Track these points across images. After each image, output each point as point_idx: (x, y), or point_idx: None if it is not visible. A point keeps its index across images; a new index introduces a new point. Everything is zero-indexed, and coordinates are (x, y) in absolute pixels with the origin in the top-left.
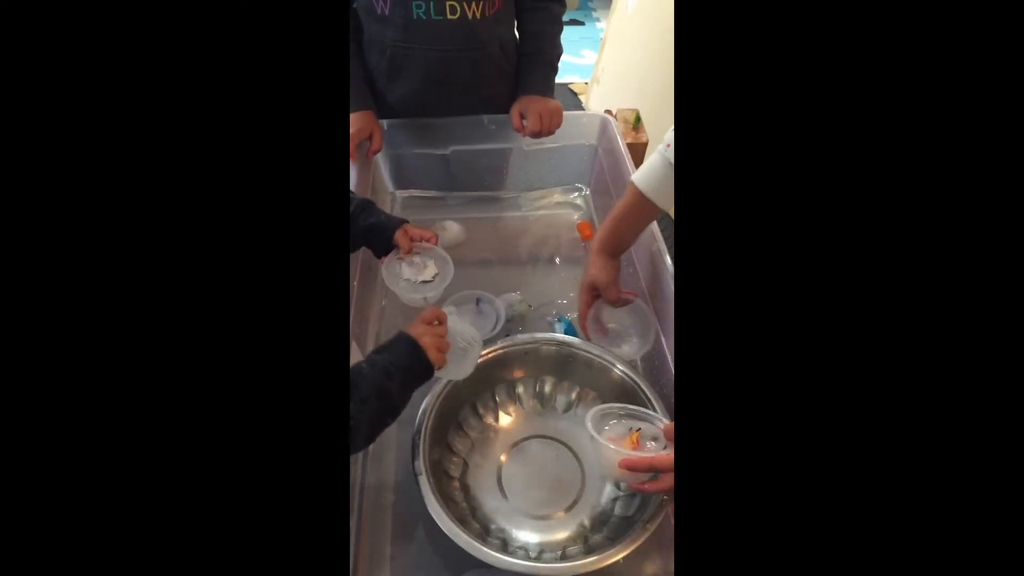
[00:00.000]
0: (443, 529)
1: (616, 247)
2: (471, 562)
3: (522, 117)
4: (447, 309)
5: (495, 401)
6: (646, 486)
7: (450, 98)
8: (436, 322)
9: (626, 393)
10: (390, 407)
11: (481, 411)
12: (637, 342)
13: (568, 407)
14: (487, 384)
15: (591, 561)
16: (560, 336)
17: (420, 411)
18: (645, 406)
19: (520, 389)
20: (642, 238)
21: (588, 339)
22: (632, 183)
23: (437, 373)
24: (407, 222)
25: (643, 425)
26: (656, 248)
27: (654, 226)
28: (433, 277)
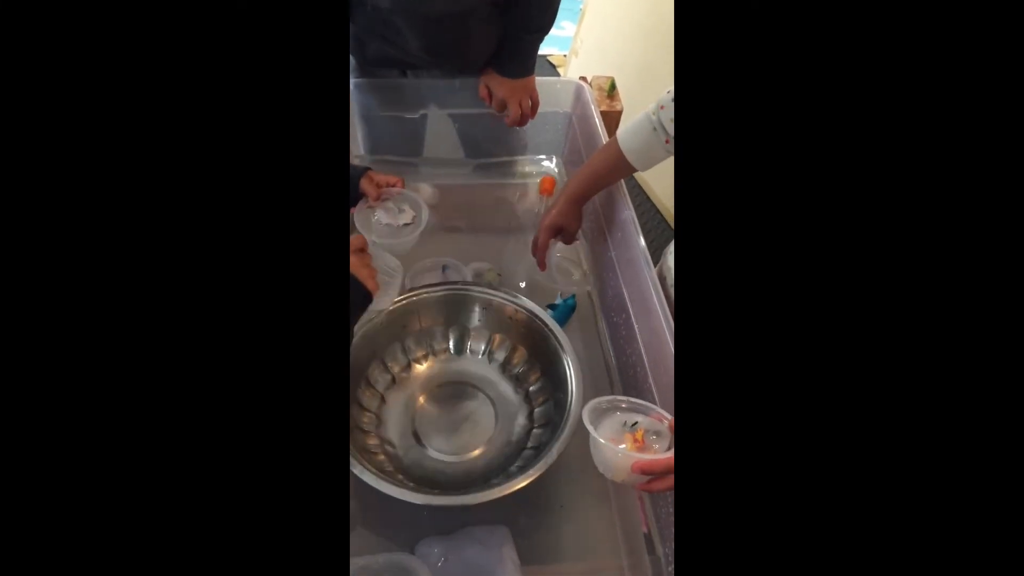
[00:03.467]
0: (368, 483)
1: (584, 197)
2: (419, 528)
3: (491, 93)
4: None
5: (404, 351)
6: (653, 485)
7: (433, 58)
8: (361, 250)
9: (532, 333)
10: None
11: (389, 363)
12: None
13: (481, 353)
14: (395, 336)
15: (506, 487)
16: (472, 284)
17: None
18: (558, 350)
19: (431, 337)
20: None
21: (542, 269)
22: (613, 139)
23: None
24: (370, 169)
25: (640, 419)
26: (629, 215)
27: (624, 191)
28: (413, 219)
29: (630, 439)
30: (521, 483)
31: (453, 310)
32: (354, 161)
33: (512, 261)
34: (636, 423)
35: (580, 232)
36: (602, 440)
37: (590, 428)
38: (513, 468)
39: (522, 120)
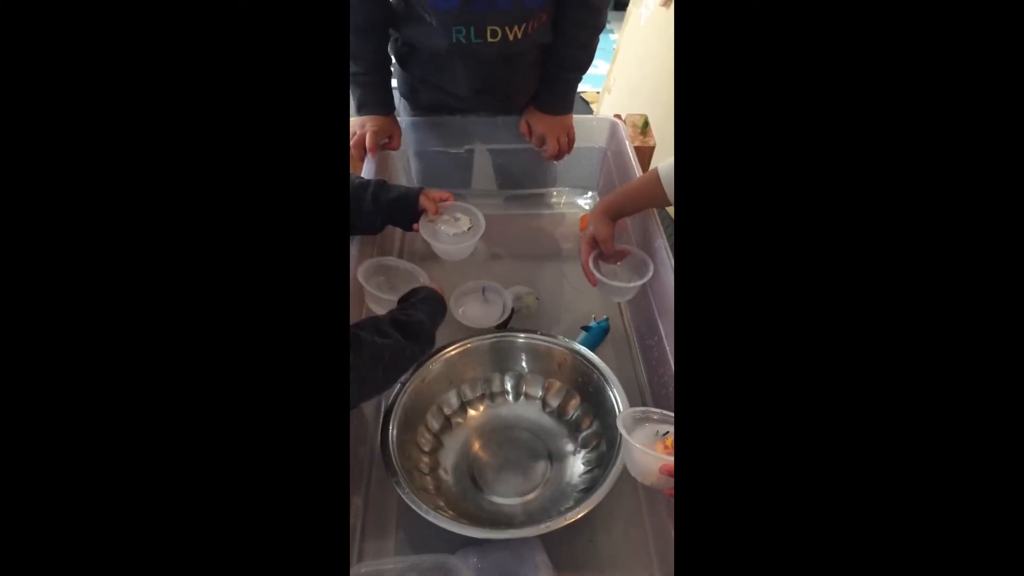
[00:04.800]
0: (420, 513)
1: (617, 214)
2: (446, 537)
3: (530, 127)
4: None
5: (459, 397)
6: None
7: (480, 99)
8: None
9: (581, 376)
10: (430, 343)
11: (444, 408)
12: (634, 277)
13: (528, 395)
14: (450, 384)
15: (558, 520)
16: (517, 331)
17: (382, 415)
18: (601, 386)
19: (487, 383)
20: (647, 232)
21: (592, 283)
22: (656, 168)
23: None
24: (423, 188)
25: (670, 429)
26: (661, 243)
27: (657, 220)
28: (470, 227)
29: (660, 446)
30: (569, 520)
31: (502, 356)
32: None
33: (551, 285)
34: (667, 432)
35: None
36: (636, 444)
37: (624, 433)
38: (563, 508)
39: (559, 155)
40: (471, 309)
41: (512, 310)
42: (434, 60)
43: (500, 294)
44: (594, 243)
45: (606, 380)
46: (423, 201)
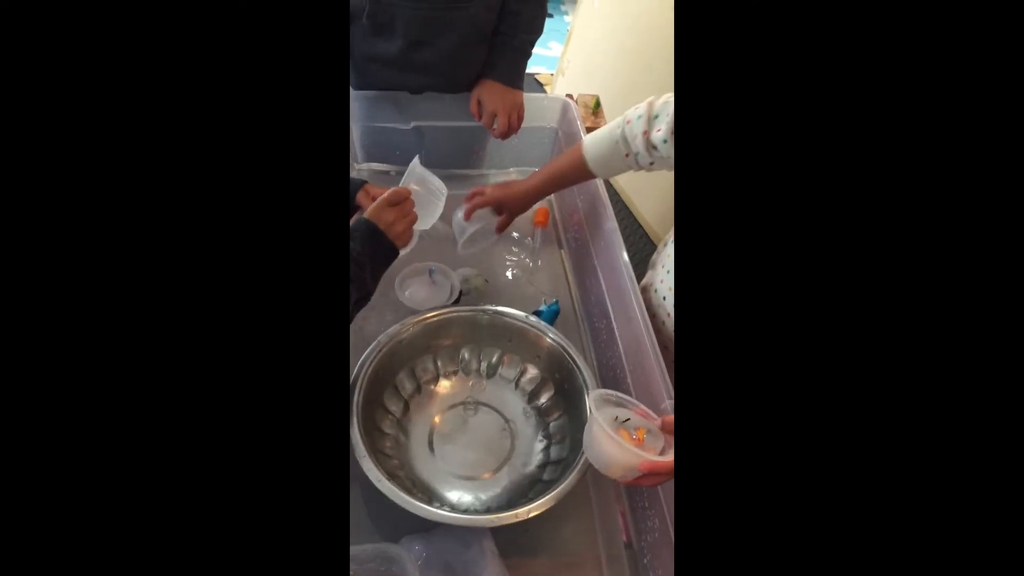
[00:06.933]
0: (371, 479)
1: (545, 192)
2: (405, 521)
3: (480, 105)
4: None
5: (435, 365)
6: (640, 481)
7: (427, 63)
8: (401, 202)
9: (554, 359)
10: (365, 294)
11: (419, 374)
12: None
13: (503, 376)
14: (426, 349)
15: (511, 515)
16: (502, 308)
17: (355, 369)
18: (572, 371)
19: (461, 356)
20: (601, 218)
21: (466, 218)
22: (579, 144)
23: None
24: (366, 183)
25: (629, 415)
26: (611, 226)
27: (606, 202)
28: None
29: (627, 436)
30: (521, 517)
31: (486, 333)
32: (351, 169)
33: (499, 267)
34: (628, 419)
35: (564, 240)
36: (612, 435)
37: (600, 421)
38: (519, 499)
39: (508, 133)
40: (418, 291)
41: (460, 292)
42: (374, 16)
43: (448, 276)
44: (496, 204)
45: (585, 385)
46: (360, 198)
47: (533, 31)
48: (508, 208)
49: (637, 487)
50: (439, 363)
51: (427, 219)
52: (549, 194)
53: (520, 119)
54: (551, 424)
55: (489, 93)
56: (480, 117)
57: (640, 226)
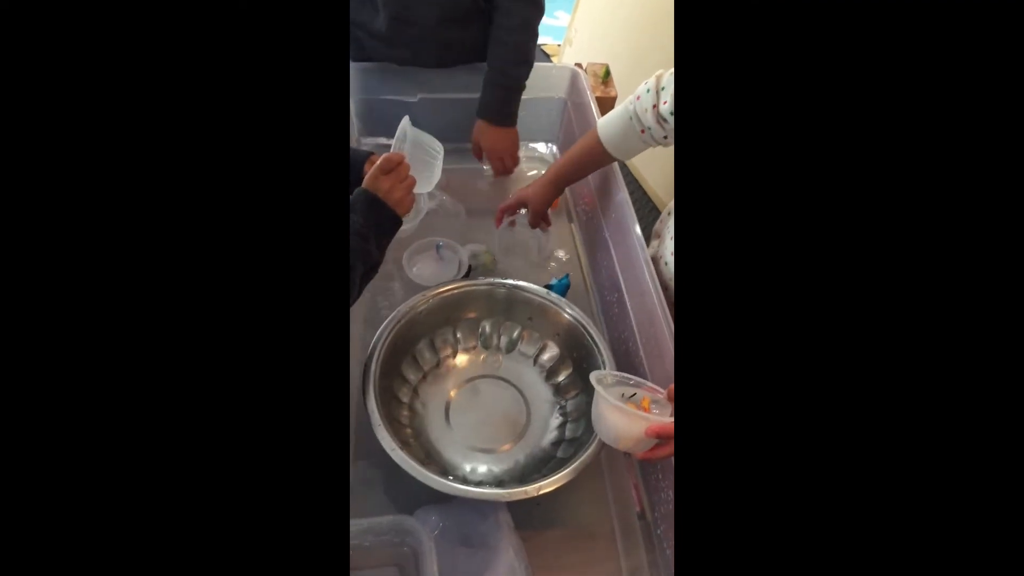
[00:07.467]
0: (385, 448)
1: (565, 181)
2: (422, 492)
3: (478, 145)
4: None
5: (455, 337)
6: (656, 452)
7: (422, 32)
8: (396, 168)
9: (574, 337)
10: (373, 265)
11: (439, 345)
12: None
13: (522, 352)
14: (447, 321)
15: (522, 490)
16: (519, 282)
17: (374, 338)
18: (592, 350)
19: (482, 328)
20: (612, 189)
21: (497, 224)
22: (595, 128)
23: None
24: (372, 153)
25: (625, 389)
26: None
27: (618, 175)
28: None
29: (633, 407)
30: (537, 492)
31: (505, 307)
32: (353, 143)
33: (508, 243)
34: (635, 394)
35: (574, 213)
36: (616, 403)
37: (603, 393)
38: (534, 474)
39: (502, 174)
40: (425, 267)
41: (469, 268)
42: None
43: (456, 251)
44: (523, 204)
45: (604, 365)
46: (368, 168)
47: (522, 65)
48: (530, 203)
49: (651, 460)
50: (458, 335)
51: (426, 181)
52: (569, 183)
53: (514, 160)
54: (568, 403)
55: (482, 135)
56: (480, 158)
57: (649, 198)
